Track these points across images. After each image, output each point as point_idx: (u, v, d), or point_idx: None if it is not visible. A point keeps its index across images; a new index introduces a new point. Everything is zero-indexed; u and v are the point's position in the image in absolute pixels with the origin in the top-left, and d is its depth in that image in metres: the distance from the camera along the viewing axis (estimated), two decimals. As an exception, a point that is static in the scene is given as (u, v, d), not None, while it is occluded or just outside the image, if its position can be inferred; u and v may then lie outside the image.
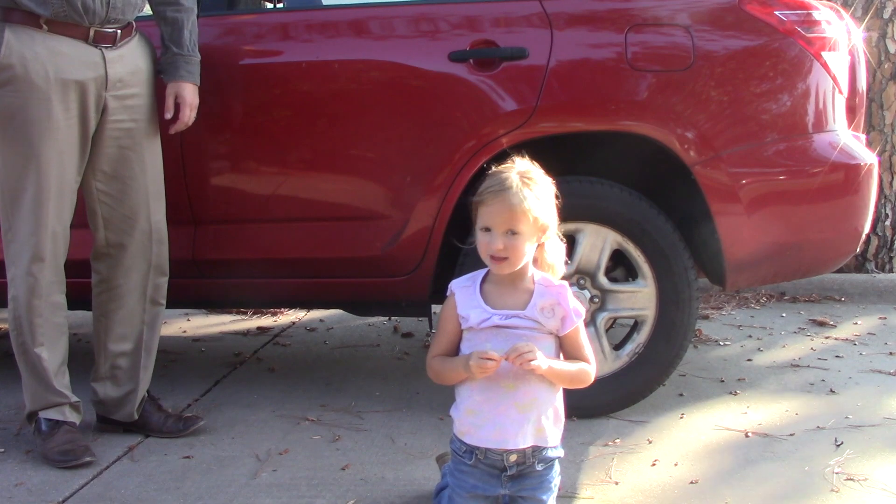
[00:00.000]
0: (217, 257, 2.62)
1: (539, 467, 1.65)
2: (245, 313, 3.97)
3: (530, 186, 1.60)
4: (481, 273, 1.67)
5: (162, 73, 2.32)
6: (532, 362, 1.53)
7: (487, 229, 1.59)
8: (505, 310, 1.61)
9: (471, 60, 2.42)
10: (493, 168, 1.66)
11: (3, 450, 2.33)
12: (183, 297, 2.78)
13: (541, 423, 1.64)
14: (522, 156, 1.68)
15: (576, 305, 1.65)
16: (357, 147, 2.50)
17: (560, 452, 1.70)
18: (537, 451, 1.64)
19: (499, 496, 1.67)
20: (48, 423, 2.26)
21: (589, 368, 1.66)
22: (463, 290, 1.66)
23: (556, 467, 1.70)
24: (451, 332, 1.66)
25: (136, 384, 2.41)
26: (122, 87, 2.22)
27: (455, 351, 1.66)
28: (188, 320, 3.88)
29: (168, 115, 2.30)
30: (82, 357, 3.25)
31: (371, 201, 2.52)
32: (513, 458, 1.62)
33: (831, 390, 2.79)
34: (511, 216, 1.57)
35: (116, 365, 2.39)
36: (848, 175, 2.45)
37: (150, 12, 2.38)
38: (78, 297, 2.76)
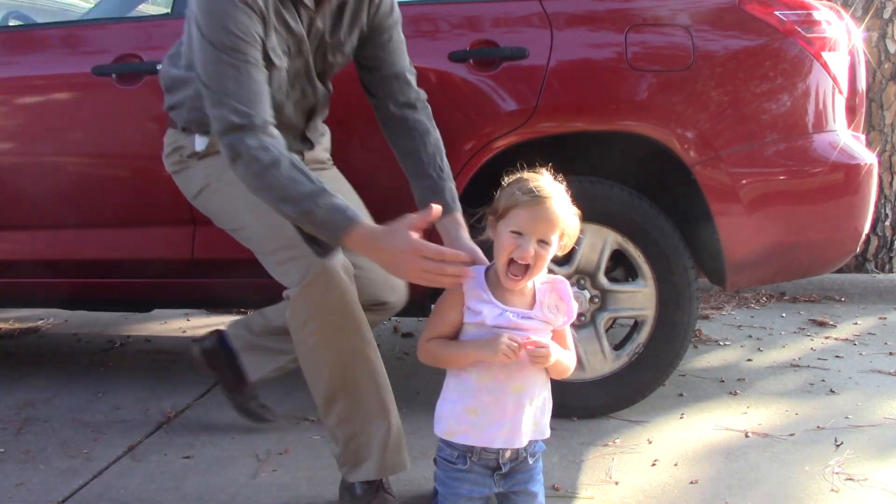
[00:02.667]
0: (217, 257, 2.62)
1: (530, 461, 1.65)
2: (245, 313, 3.96)
3: (566, 200, 1.56)
4: (481, 269, 1.66)
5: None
6: (546, 361, 1.52)
7: (519, 233, 1.53)
8: (514, 308, 1.60)
9: (471, 60, 2.42)
10: (523, 174, 1.59)
11: (2, 450, 2.33)
12: (183, 297, 2.78)
13: (537, 417, 1.63)
14: (548, 168, 1.62)
15: (574, 302, 1.65)
16: (356, 147, 2.50)
17: (543, 444, 1.70)
18: (530, 444, 1.64)
19: (491, 496, 1.66)
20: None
21: (574, 358, 1.65)
22: (472, 282, 1.63)
23: (537, 453, 1.69)
24: (452, 321, 1.60)
25: None
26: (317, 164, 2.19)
27: (453, 339, 1.63)
28: (188, 320, 3.88)
29: None
30: (82, 356, 3.27)
31: (370, 202, 2.51)
32: (508, 454, 1.61)
33: (831, 390, 2.79)
34: (549, 225, 1.52)
35: None
36: (848, 175, 2.45)
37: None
38: (78, 297, 2.77)
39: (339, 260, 1.85)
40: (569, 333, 1.66)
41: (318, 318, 1.84)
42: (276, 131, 1.75)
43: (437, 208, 1.64)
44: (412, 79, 2.07)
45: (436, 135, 2.02)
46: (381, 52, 2.02)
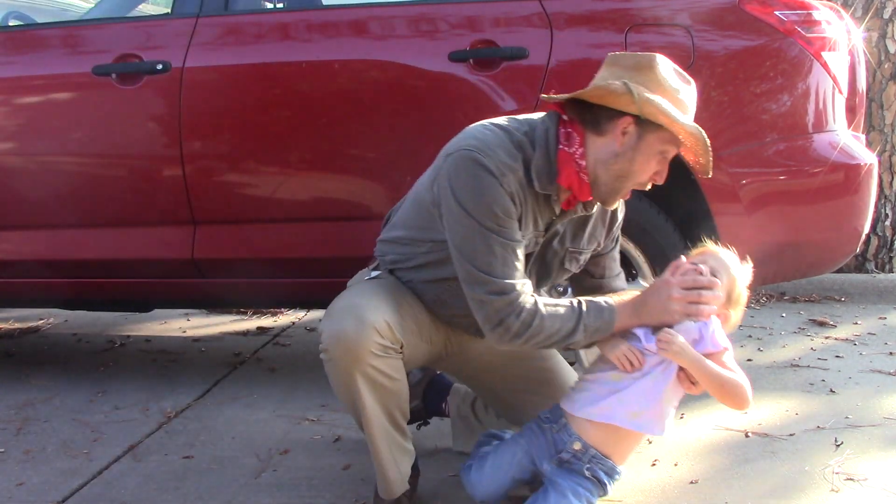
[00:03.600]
0: (217, 257, 2.62)
1: (587, 472, 1.76)
2: (245, 313, 3.97)
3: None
4: None
5: None
6: (671, 348, 1.67)
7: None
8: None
9: (471, 60, 2.42)
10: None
11: (3, 450, 2.33)
12: (183, 297, 2.78)
13: (627, 412, 1.73)
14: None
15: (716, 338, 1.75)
16: (357, 147, 2.51)
17: (616, 472, 1.81)
18: (596, 458, 1.76)
19: (541, 471, 1.79)
20: None
21: (738, 381, 1.73)
22: None
23: (600, 479, 1.78)
24: None
25: None
26: None
27: None
28: (188, 320, 3.88)
29: None
30: (82, 356, 3.27)
31: (371, 201, 2.52)
32: (576, 445, 1.75)
33: (831, 390, 2.79)
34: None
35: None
36: (848, 175, 2.45)
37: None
38: (78, 297, 2.77)
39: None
40: (731, 362, 1.74)
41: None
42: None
43: (681, 258, 1.80)
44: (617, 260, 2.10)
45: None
46: (603, 258, 2.03)
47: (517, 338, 1.71)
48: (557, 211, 1.81)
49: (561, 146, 1.73)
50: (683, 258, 1.80)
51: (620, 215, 1.99)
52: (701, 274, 1.75)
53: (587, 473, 1.75)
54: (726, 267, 1.79)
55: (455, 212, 1.71)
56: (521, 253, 1.74)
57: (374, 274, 1.93)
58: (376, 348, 1.74)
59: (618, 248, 2.06)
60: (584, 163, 1.72)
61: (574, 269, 1.96)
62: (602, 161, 1.71)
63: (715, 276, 1.75)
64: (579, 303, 1.76)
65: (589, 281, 2.04)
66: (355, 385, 1.76)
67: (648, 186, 1.78)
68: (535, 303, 1.71)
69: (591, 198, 1.78)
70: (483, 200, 1.69)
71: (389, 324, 1.76)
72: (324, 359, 1.78)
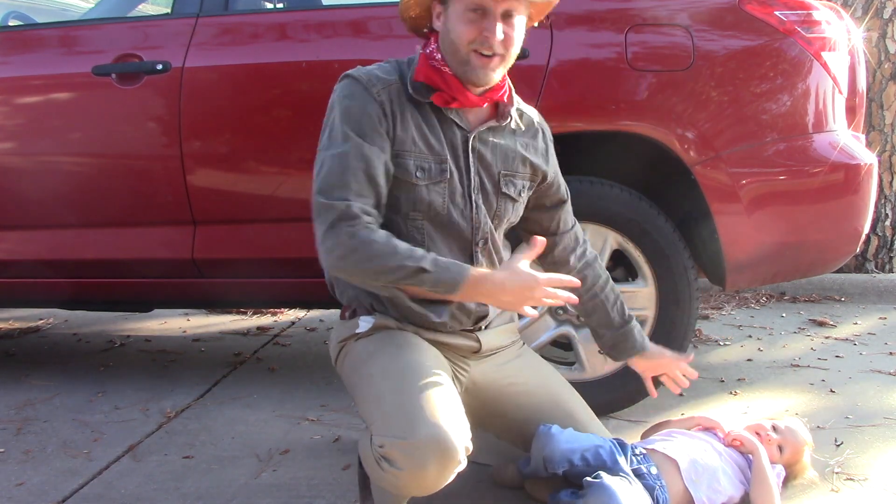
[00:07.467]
0: (217, 257, 2.62)
1: (658, 492, 1.83)
2: (245, 313, 3.97)
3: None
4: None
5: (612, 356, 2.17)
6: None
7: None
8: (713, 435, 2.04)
9: (471, 60, 2.42)
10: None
11: (3, 450, 2.33)
12: (183, 297, 2.78)
13: (704, 483, 1.86)
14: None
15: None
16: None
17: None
18: (665, 489, 1.84)
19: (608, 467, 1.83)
20: None
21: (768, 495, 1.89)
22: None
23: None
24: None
25: None
26: (493, 352, 1.98)
27: None
28: (188, 320, 3.88)
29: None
30: (82, 356, 3.27)
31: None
32: (653, 469, 1.86)
33: (831, 390, 2.79)
34: None
35: None
36: (848, 175, 2.45)
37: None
38: (78, 297, 2.77)
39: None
40: (770, 479, 1.89)
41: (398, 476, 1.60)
42: (371, 219, 1.72)
43: (541, 240, 1.78)
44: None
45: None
46: (557, 212, 2.06)
47: (343, 253, 1.67)
48: (465, 125, 1.87)
49: (420, 52, 1.89)
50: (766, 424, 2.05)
51: (549, 134, 2.05)
52: (774, 428, 2.02)
53: (657, 494, 1.79)
54: (795, 434, 2.02)
55: (326, 123, 1.82)
56: (376, 170, 1.74)
57: (365, 326, 1.84)
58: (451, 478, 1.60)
59: (569, 201, 2.07)
60: (438, 55, 1.84)
61: (514, 194, 1.92)
62: (444, 48, 1.83)
63: (783, 444, 2.00)
64: (430, 254, 1.71)
65: (551, 256, 2.05)
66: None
67: (495, 49, 1.79)
68: (373, 223, 1.70)
69: (461, 85, 1.83)
70: (349, 105, 1.79)
71: (468, 447, 1.59)
72: (379, 467, 1.59)
